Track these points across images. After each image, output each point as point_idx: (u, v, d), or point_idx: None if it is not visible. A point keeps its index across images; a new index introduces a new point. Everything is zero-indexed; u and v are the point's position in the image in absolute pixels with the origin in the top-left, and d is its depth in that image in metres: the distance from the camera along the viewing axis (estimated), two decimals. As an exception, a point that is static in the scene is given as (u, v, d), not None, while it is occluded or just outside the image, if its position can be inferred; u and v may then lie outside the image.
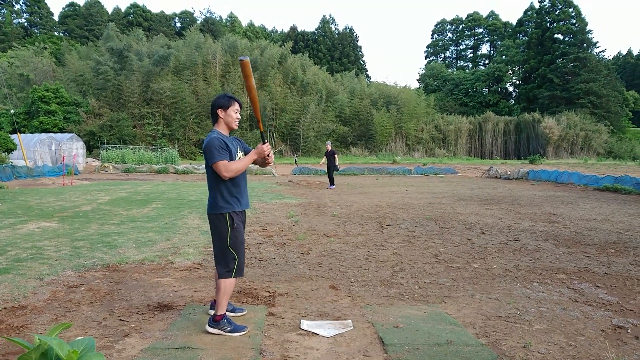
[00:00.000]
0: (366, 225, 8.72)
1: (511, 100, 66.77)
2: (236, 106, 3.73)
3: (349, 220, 9.20)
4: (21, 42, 53.71)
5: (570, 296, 4.66)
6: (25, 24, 67.09)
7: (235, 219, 3.68)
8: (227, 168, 3.54)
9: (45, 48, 49.35)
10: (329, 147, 17.02)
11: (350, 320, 3.92)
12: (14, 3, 65.81)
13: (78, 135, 30.50)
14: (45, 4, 68.72)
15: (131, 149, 30.31)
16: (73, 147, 27.05)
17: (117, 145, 31.65)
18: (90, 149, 33.35)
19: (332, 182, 16.97)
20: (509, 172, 22.88)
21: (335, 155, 16.87)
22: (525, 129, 50.24)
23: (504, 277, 5.35)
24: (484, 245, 6.98)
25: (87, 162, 28.37)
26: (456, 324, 3.85)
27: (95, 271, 5.38)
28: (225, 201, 3.67)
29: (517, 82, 67.64)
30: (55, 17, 70.50)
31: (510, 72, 66.00)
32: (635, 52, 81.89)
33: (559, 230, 8.24)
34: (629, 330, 3.77)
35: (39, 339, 1.19)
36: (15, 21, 63.67)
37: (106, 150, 29.54)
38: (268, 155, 3.70)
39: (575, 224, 8.91)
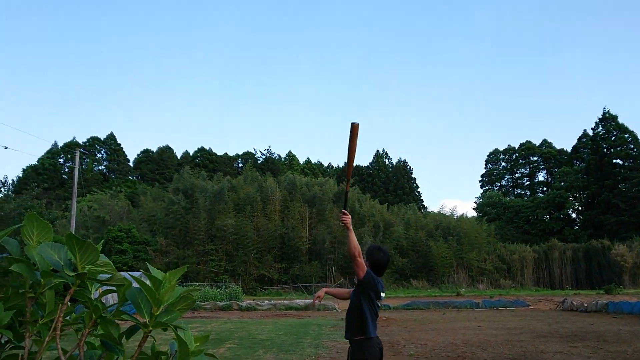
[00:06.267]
0: (446, 366, 8.38)
1: (576, 227, 64.58)
2: None
3: (427, 361, 8.88)
4: (99, 187, 58.59)
5: None
6: (104, 170, 73.59)
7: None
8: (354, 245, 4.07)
9: (121, 191, 53.50)
10: None
11: None
12: (96, 153, 72.98)
13: (146, 274, 31.62)
14: (124, 152, 75.80)
15: (197, 286, 30.97)
16: (142, 285, 27.96)
17: (182, 283, 32.45)
18: (156, 287, 34.21)
19: None
20: (585, 304, 21.51)
21: None
22: (595, 256, 47.79)
23: None
24: (579, 389, 6.54)
25: (153, 299, 29.04)
26: None
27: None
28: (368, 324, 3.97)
29: (580, 208, 65.94)
30: (130, 163, 77.22)
31: (572, 198, 64.71)
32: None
33: (660, 372, 7.61)
34: None
35: None
36: (95, 168, 70.04)
37: (172, 288, 30.26)
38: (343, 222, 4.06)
39: (677, 364, 8.21)
